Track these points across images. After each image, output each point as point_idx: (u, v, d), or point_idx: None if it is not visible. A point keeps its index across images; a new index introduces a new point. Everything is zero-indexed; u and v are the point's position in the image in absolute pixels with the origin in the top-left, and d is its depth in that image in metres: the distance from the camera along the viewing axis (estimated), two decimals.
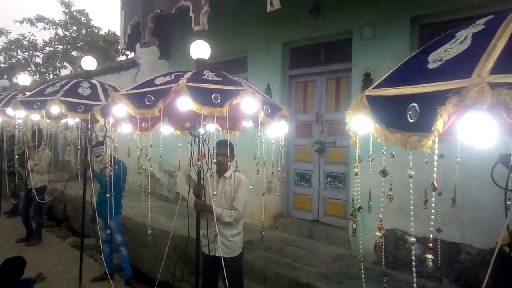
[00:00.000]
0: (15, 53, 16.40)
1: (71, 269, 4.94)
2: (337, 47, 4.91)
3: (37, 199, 5.49)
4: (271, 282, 4.17)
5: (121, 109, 2.58)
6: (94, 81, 4.33)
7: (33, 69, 16.26)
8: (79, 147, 4.73)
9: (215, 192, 3.07)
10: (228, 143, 3.07)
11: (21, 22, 15.51)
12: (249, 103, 2.49)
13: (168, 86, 2.44)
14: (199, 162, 2.89)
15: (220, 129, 3.47)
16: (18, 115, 4.48)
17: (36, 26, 15.85)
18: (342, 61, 4.81)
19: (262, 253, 4.65)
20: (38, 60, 16.39)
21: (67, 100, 3.84)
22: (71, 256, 5.54)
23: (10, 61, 16.46)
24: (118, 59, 15.79)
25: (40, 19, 15.91)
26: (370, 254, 4.05)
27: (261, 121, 2.69)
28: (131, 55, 16.68)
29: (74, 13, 16.85)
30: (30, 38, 15.90)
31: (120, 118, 2.89)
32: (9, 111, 4.89)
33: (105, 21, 19.43)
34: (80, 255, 4.68)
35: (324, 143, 5.07)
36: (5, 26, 16.17)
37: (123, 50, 16.82)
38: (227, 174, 3.19)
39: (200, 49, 3.11)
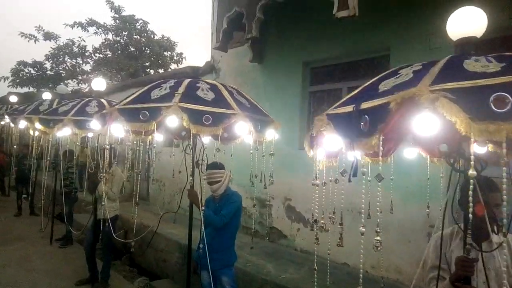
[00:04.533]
0: (62, 59, 16.34)
1: None
2: None
3: (114, 236, 4.57)
4: None
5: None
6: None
7: (81, 77, 16.10)
8: (179, 171, 3.77)
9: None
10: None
11: (72, 26, 15.49)
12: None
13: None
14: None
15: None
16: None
17: (87, 31, 15.76)
18: None
19: None
20: (86, 67, 16.26)
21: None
22: None
23: (57, 68, 16.41)
24: (172, 67, 15.37)
25: (92, 23, 15.80)
26: None
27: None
28: (186, 62, 16.38)
29: (124, 19, 16.70)
30: (80, 44, 15.77)
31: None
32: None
33: (155, 27, 19.24)
34: None
35: None
36: (55, 30, 16.18)
37: (179, 58, 16.52)
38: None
39: None
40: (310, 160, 5.38)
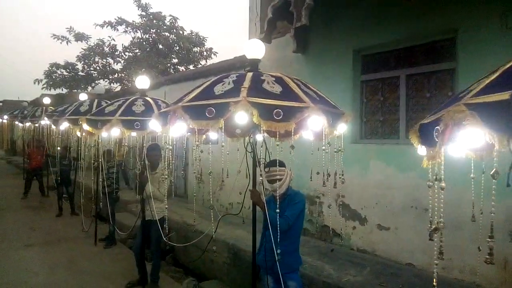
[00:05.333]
0: (93, 60, 16.57)
1: None
2: None
3: (165, 239, 4.47)
4: None
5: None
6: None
7: (111, 77, 16.28)
8: (238, 170, 3.59)
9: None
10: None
11: (102, 26, 15.67)
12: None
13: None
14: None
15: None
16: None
17: (117, 30, 15.89)
18: None
19: None
20: (117, 66, 16.42)
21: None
22: None
23: (88, 69, 16.67)
24: (202, 63, 15.30)
25: (121, 22, 15.94)
26: None
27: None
28: (217, 58, 16.32)
29: (151, 16, 16.76)
30: (110, 43, 15.94)
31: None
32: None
33: (184, 22, 19.20)
34: None
35: None
36: (85, 31, 16.41)
37: (209, 53, 16.43)
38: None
39: None
40: (363, 154, 5.13)
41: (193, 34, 16.37)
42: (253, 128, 3.40)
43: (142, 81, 4.95)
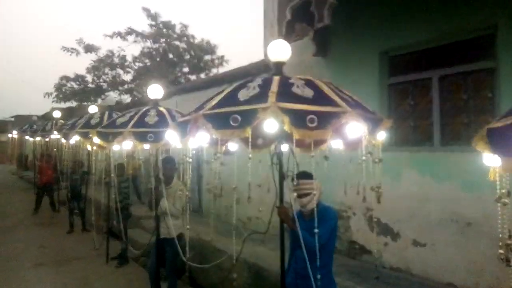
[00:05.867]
0: (102, 72, 16.53)
1: None
2: None
3: (184, 259, 4.15)
4: None
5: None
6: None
7: (121, 88, 16.20)
8: (259, 184, 3.27)
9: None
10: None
11: (111, 37, 15.64)
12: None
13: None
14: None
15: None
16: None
17: (127, 40, 15.86)
18: None
19: None
20: (127, 77, 16.35)
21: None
22: None
23: (98, 81, 16.63)
24: (213, 71, 15.11)
25: (131, 32, 15.90)
26: None
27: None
28: (229, 66, 16.13)
29: (161, 25, 16.70)
30: (120, 54, 15.89)
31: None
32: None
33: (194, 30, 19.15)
34: None
35: None
36: (95, 42, 16.40)
37: (221, 61, 16.26)
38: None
39: None
40: (394, 163, 4.68)
41: (204, 41, 16.26)
42: (279, 138, 3.12)
43: (155, 90, 4.70)
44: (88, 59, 16.35)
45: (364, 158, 2.52)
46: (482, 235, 3.98)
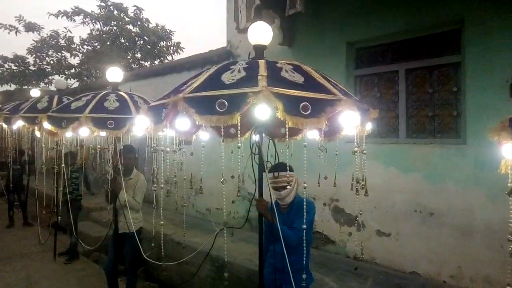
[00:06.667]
0: (46, 53, 15.35)
1: None
2: None
3: (144, 254, 3.91)
4: None
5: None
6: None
7: (67, 72, 15.16)
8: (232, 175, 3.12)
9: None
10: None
11: (57, 16, 14.53)
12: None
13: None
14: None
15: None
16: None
17: (74, 20, 14.80)
18: None
19: None
20: (74, 61, 15.30)
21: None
22: None
23: (40, 63, 15.43)
24: (168, 58, 14.55)
25: (78, 12, 14.85)
26: None
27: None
28: (183, 53, 15.58)
29: (111, 8, 15.81)
30: (66, 35, 14.80)
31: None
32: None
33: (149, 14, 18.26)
34: None
35: None
36: (38, 21, 15.13)
37: (176, 48, 15.68)
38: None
39: None
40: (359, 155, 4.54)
41: (158, 27, 15.57)
42: (254, 126, 2.99)
43: (114, 73, 4.34)
44: (29, 39, 15.10)
45: (356, 149, 2.46)
46: (444, 225, 4.13)
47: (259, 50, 2.69)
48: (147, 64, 15.20)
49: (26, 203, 8.45)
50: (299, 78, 2.23)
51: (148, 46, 15.08)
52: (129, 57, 14.79)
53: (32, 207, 8.44)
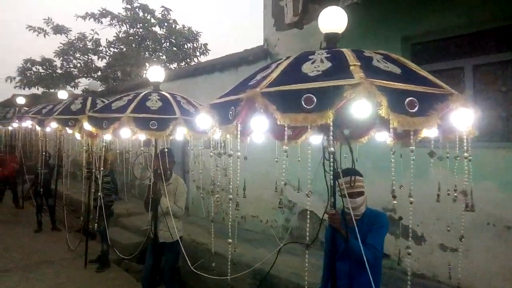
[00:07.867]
0: (73, 56, 15.43)
1: None
2: None
3: (191, 266, 3.64)
4: None
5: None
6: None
7: (94, 75, 15.20)
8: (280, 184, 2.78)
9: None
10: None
11: (84, 18, 14.59)
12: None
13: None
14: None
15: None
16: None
17: (101, 23, 14.83)
18: None
19: None
20: (100, 63, 15.33)
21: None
22: None
23: (67, 66, 15.52)
24: (196, 60, 14.41)
25: (106, 14, 14.89)
26: None
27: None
28: (211, 55, 15.44)
29: (137, 10, 15.80)
30: (93, 37, 14.84)
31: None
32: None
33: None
34: None
35: None
36: (65, 23, 15.23)
37: (203, 49, 15.55)
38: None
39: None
40: (423, 159, 4.04)
41: (185, 28, 15.46)
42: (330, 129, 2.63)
43: (156, 73, 4.15)
44: (57, 42, 15.20)
45: (466, 154, 2.08)
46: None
47: (332, 39, 2.34)
48: (173, 66, 15.10)
49: (54, 208, 8.34)
50: (395, 69, 1.90)
51: (174, 48, 14.98)
52: (155, 59, 14.73)
53: (60, 212, 8.35)
